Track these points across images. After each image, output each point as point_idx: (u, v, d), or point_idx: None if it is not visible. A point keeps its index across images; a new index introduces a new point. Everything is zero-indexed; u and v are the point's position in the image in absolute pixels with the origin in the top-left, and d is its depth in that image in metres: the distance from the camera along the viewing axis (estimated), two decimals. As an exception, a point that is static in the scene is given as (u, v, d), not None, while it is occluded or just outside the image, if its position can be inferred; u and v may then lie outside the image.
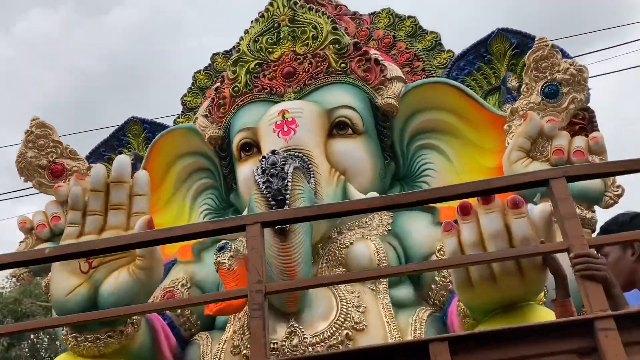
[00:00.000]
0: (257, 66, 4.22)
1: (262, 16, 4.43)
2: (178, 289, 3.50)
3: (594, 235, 3.74)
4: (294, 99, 4.04)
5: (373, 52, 4.38)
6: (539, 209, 2.49)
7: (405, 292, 3.34)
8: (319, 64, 4.12)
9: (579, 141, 3.70)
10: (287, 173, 2.78)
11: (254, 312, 1.97)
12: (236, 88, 4.17)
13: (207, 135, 4.20)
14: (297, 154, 3.58)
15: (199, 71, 5.31)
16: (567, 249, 1.94)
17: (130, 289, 2.78)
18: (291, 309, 2.89)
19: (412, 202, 2.25)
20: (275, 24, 4.34)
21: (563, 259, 2.19)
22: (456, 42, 4.89)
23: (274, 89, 4.11)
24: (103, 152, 5.01)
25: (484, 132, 4.14)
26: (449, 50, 4.89)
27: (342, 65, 4.11)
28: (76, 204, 2.96)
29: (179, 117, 5.17)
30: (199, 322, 3.51)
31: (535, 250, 2.19)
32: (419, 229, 3.62)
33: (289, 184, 2.75)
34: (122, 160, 3.03)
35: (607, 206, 3.75)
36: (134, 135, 5.05)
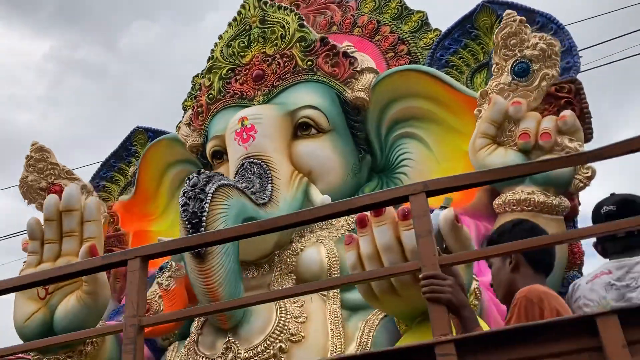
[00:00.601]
0: (229, 71, 4.26)
1: (235, 19, 4.45)
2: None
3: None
4: (263, 102, 4.06)
5: (345, 44, 4.30)
6: (443, 214, 2.40)
7: (359, 294, 3.32)
8: (286, 64, 4.11)
9: (547, 122, 3.48)
10: (207, 194, 2.83)
11: (126, 347, 2.05)
12: (210, 95, 4.25)
13: (188, 144, 4.33)
14: (256, 160, 3.63)
15: (197, 75, 5.41)
16: (419, 269, 1.87)
17: (79, 313, 2.97)
18: (224, 326, 2.97)
19: (295, 223, 2.24)
20: (247, 27, 4.35)
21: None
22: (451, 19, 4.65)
23: (245, 94, 4.14)
24: (113, 163, 5.27)
25: (461, 115, 3.98)
26: (436, 29, 4.69)
27: (309, 63, 4.07)
28: (33, 234, 3.17)
29: (180, 122, 5.32)
30: (175, 332, 3.66)
31: (385, 273, 2.13)
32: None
33: (207, 205, 2.80)
34: (71, 190, 3.21)
35: (577, 189, 3.53)
36: (141, 145, 5.25)
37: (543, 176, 3.32)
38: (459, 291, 1.85)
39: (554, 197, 3.37)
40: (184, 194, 2.88)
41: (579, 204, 3.80)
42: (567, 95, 3.91)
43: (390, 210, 2.39)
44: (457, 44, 4.50)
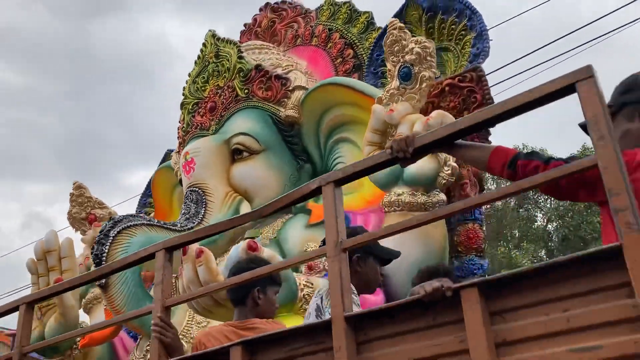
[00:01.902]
0: (194, 105, 5.00)
1: (198, 57, 5.16)
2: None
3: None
4: (215, 131, 4.75)
5: (285, 65, 4.79)
6: (241, 246, 2.96)
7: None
8: (229, 94, 4.75)
9: (418, 125, 3.71)
10: (109, 237, 3.64)
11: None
12: (184, 128, 5.04)
13: (175, 170, 5.17)
14: (195, 188, 4.37)
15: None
16: (150, 312, 2.49)
17: (56, 327, 4.01)
18: (142, 335, 3.79)
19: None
20: (206, 62, 5.04)
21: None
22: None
23: (203, 125, 4.86)
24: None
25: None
26: (379, 28, 4.94)
27: (246, 91, 4.66)
28: (30, 270, 4.28)
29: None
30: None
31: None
32: (294, 233, 4.11)
33: (107, 247, 3.61)
34: (49, 236, 4.24)
35: (442, 186, 3.72)
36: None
37: (411, 178, 3.62)
38: (177, 339, 2.42)
39: (420, 196, 3.63)
40: (94, 239, 3.74)
41: (480, 190, 3.97)
42: (469, 85, 4.05)
43: (192, 248, 3.01)
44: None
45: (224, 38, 5.01)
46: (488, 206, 20.40)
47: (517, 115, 1.80)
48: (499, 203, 19.83)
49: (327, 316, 2.21)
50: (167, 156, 6.21)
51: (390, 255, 2.50)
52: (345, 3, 5.21)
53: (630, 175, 1.55)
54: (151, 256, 2.53)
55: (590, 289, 1.54)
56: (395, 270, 3.51)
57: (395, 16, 4.69)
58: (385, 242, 2.55)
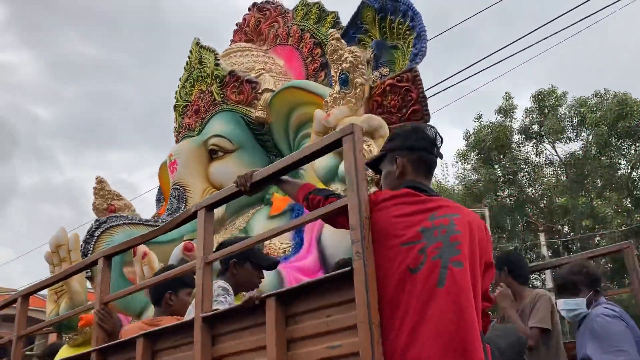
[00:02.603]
0: (184, 108, 5.61)
1: (187, 63, 5.74)
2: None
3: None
4: (198, 132, 5.34)
5: (258, 69, 5.29)
6: (179, 247, 3.57)
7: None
8: (208, 98, 5.32)
9: (349, 127, 4.14)
10: (94, 237, 4.33)
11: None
12: (176, 128, 5.67)
13: (170, 167, 5.84)
14: (177, 186, 5.01)
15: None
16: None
17: (66, 308, 4.80)
18: (130, 317, 4.50)
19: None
20: (192, 68, 5.62)
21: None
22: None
23: (190, 126, 5.47)
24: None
25: (334, 113, 4.75)
26: (342, 27, 5.32)
27: (221, 95, 5.21)
28: (48, 260, 5.07)
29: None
30: None
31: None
32: (258, 224, 4.68)
33: (91, 246, 4.30)
34: (59, 233, 4.99)
35: (368, 182, 4.14)
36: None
37: (343, 175, 4.07)
38: (115, 327, 3.05)
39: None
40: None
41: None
42: (405, 84, 4.42)
43: (139, 249, 3.65)
44: (353, 40, 5.13)
45: (206, 46, 5.55)
46: (568, 155, 19.76)
47: (311, 161, 2.30)
48: (579, 151, 19.20)
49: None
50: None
51: (267, 262, 3.01)
52: (315, 3, 5.61)
53: (372, 214, 2.01)
54: (94, 263, 3.19)
55: (341, 300, 2.04)
56: (334, 253, 4.06)
57: (353, 17, 5.09)
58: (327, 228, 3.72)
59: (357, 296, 1.92)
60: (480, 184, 19.43)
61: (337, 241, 3.98)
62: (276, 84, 5.20)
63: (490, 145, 19.19)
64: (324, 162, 4.29)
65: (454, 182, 21.34)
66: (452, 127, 40.56)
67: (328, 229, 3.98)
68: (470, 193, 19.48)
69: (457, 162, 20.76)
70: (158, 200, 6.61)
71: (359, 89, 4.26)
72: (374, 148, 4.07)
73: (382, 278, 1.90)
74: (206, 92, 5.38)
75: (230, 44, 6.24)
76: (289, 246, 4.33)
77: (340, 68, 4.34)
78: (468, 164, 20.37)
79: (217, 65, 5.32)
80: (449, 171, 27.70)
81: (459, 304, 1.80)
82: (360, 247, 1.96)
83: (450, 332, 1.76)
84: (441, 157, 2.24)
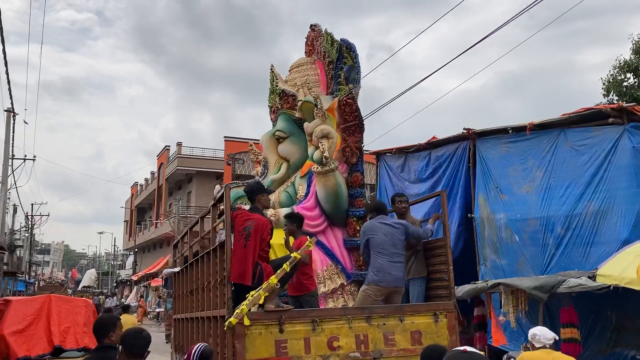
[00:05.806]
0: (270, 108, 9.60)
1: (269, 80, 9.62)
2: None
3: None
4: (273, 126, 9.30)
5: (299, 84, 8.93)
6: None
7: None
8: (275, 106, 9.21)
9: (311, 126, 7.68)
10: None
11: None
12: (273, 110, 9.70)
13: (275, 139, 9.95)
14: (264, 161, 9.10)
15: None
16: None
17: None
18: None
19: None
20: (271, 85, 9.54)
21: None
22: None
23: (272, 119, 9.46)
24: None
25: (332, 117, 8.27)
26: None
27: (279, 104, 9.06)
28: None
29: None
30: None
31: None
32: (296, 180, 8.57)
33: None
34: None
35: (326, 162, 7.66)
36: None
37: (312, 158, 7.73)
38: None
39: (317, 167, 7.72)
40: None
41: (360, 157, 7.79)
42: (351, 101, 7.78)
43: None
44: (341, 62, 8.44)
45: (272, 69, 9.38)
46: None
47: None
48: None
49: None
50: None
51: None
52: (329, 33, 8.89)
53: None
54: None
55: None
56: (321, 198, 7.90)
57: (338, 48, 8.37)
58: (319, 187, 7.57)
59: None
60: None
61: (324, 193, 7.76)
62: (306, 94, 8.79)
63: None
64: (311, 151, 7.99)
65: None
66: None
67: (320, 188, 7.74)
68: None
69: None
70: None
71: (320, 112, 7.78)
72: (325, 145, 7.64)
73: None
74: (274, 101, 9.28)
75: (306, 48, 9.83)
76: (304, 194, 8.18)
77: (314, 95, 7.88)
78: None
79: (276, 86, 9.15)
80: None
81: None
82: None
83: None
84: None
